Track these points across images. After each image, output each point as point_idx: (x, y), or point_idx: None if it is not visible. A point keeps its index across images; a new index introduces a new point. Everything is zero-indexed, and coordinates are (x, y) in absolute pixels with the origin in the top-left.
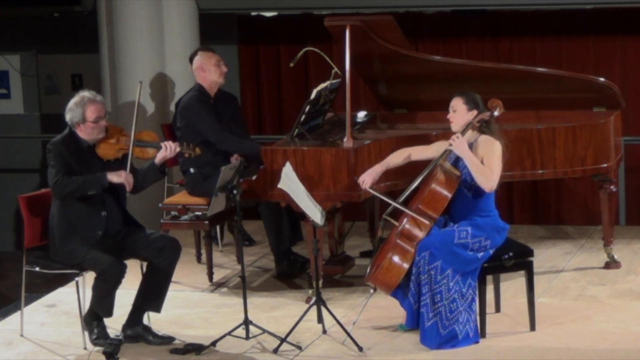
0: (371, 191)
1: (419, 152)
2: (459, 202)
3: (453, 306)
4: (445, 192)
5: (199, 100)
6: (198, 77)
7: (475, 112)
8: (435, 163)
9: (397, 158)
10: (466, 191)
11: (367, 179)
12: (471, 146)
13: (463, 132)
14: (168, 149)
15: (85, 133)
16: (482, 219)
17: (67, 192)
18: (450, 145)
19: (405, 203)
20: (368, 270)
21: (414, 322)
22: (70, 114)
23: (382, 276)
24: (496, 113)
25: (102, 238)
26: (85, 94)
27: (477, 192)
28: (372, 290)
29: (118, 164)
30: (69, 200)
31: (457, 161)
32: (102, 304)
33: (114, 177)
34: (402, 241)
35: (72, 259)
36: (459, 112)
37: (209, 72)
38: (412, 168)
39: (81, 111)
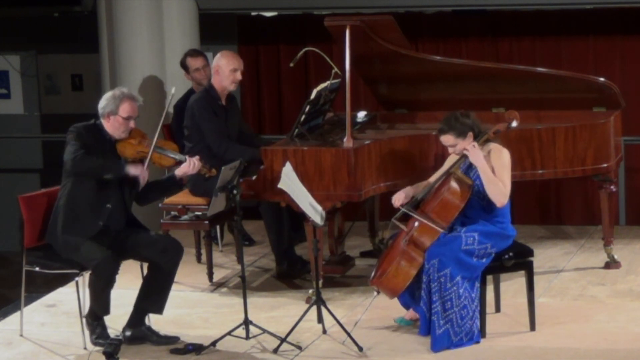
0: (405, 209)
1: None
2: (472, 210)
3: (464, 312)
4: (457, 202)
5: (207, 103)
6: (213, 77)
7: (470, 134)
8: (448, 171)
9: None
10: (479, 200)
11: (399, 196)
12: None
13: (479, 142)
14: (192, 165)
15: (111, 126)
16: (494, 225)
17: (85, 169)
18: (466, 152)
19: (415, 208)
20: (373, 273)
21: (427, 329)
22: (104, 104)
23: (388, 282)
24: (514, 124)
25: (102, 233)
26: (125, 90)
27: (490, 200)
28: (375, 293)
29: None
30: (80, 184)
31: (469, 169)
32: (98, 302)
33: (132, 169)
34: (410, 248)
35: (68, 246)
36: (459, 146)
37: (222, 77)
38: (412, 168)
39: (116, 104)
